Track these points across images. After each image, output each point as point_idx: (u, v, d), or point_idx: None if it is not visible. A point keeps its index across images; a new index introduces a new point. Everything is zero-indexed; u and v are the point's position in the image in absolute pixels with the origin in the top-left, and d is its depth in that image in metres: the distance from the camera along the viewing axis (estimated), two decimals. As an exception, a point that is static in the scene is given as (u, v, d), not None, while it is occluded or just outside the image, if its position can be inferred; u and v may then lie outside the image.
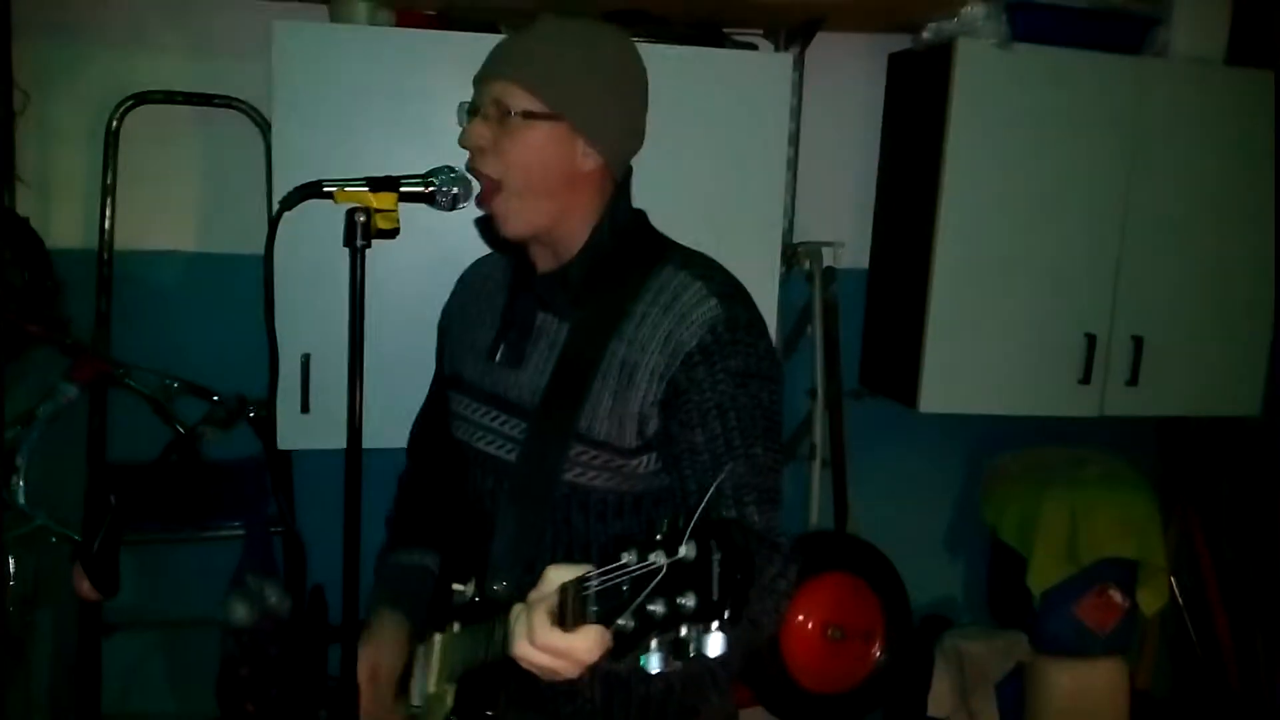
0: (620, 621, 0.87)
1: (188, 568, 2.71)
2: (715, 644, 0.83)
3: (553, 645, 0.96)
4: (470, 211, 1.67)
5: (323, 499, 2.49)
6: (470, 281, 1.64)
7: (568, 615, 0.95)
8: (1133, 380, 2.77)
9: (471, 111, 1.41)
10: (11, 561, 2.36)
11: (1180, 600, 3.30)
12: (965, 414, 2.82)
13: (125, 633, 2.68)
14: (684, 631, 0.84)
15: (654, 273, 1.39)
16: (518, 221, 1.39)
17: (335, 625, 2.56)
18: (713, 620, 0.82)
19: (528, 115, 1.34)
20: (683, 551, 0.84)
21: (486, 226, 1.47)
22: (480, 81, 1.40)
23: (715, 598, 0.82)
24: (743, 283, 1.42)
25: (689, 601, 0.83)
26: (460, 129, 1.44)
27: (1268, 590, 3.18)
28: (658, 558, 0.85)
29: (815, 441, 2.86)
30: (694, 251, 1.45)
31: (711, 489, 1.25)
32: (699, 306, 1.33)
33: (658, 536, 0.86)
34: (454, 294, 1.67)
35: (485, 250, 1.85)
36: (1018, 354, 2.73)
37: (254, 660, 2.50)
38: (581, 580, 0.93)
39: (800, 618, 2.65)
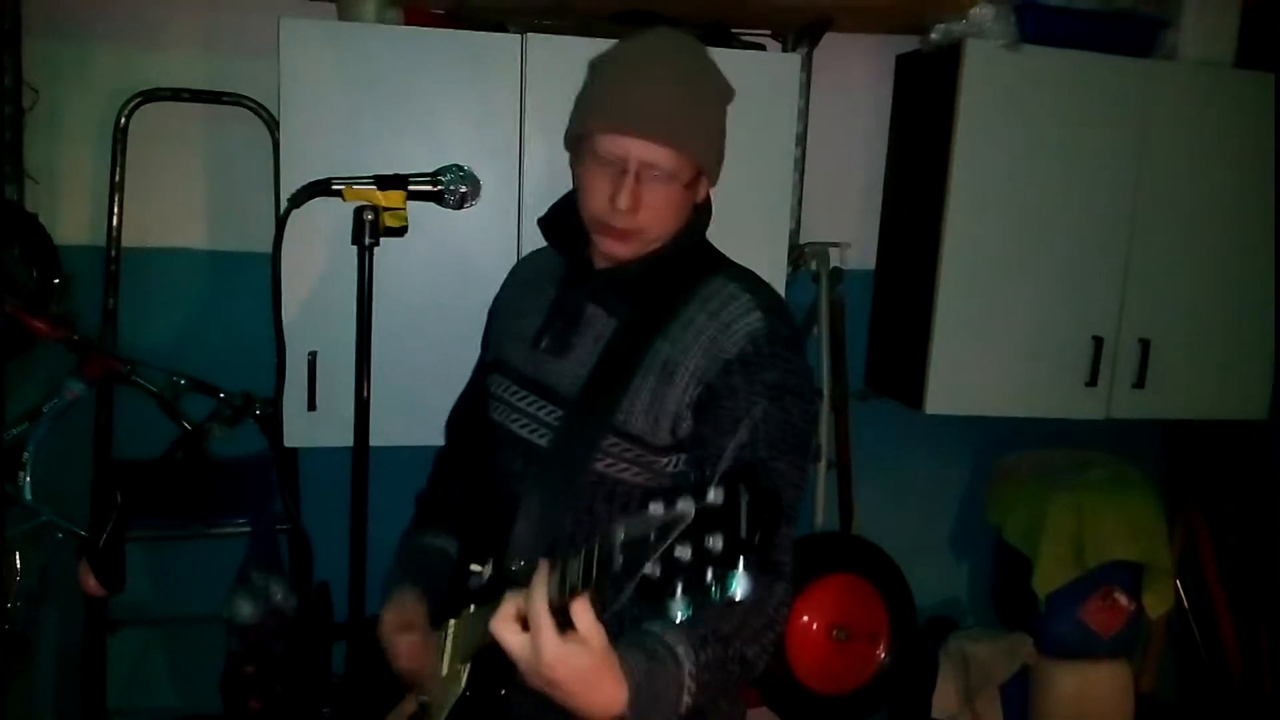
0: (646, 570, 0.88)
1: (193, 564, 2.72)
2: (742, 585, 0.85)
3: (538, 621, 1.02)
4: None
5: (328, 496, 2.49)
6: (522, 272, 1.68)
7: (592, 570, 0.97)
8: (1139, 383, 2.77)
9: (580, 151, 1.42)
10: (18, 557, 2.37)
11: (1185, 603, 3.30)
12: (971, 416, 2.81)
13: (130, 629, 2.68)
14: (709, 576, 0.85)
15: (705, 280, 1.44)
16: (637, 249, 1.44)
17: (340, 623, 2.56)
18: (740, 558, 0.84)
19: (688, 183, 1.40)
20: (711, 497, 0.86)
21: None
22: (607, 129, 1.38)
23: (744, 535, 0.84)
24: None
25: (716, 543, 0.85)
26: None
27: (1273, 594, 3.18)
28: (685, 505, 0.87)
29: (821, 442, 2.85)
30: (742, 266, 1.50)
31: (733, 444, 1.30)
32: (744, 317, 1.38)
33: (684, 487, 0.89)
34: (505, 283, 1.69)
35: (487, 248, 1.86)
36: (1024, 356, 2.72)
37: (258, 657, 2.51)
38: (607, 534, 0.95)
39: (805, 618, 2.65)
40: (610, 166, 1.38)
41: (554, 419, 1.45)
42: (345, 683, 1.48)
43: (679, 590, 0.87)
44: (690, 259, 1.47)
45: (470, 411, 1.69)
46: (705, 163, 1.42)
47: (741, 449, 1.33)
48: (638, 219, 1.39)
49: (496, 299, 1.69)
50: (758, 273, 1.48)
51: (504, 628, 1.07)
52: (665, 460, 1.40)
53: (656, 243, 1.43)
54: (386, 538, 1.69)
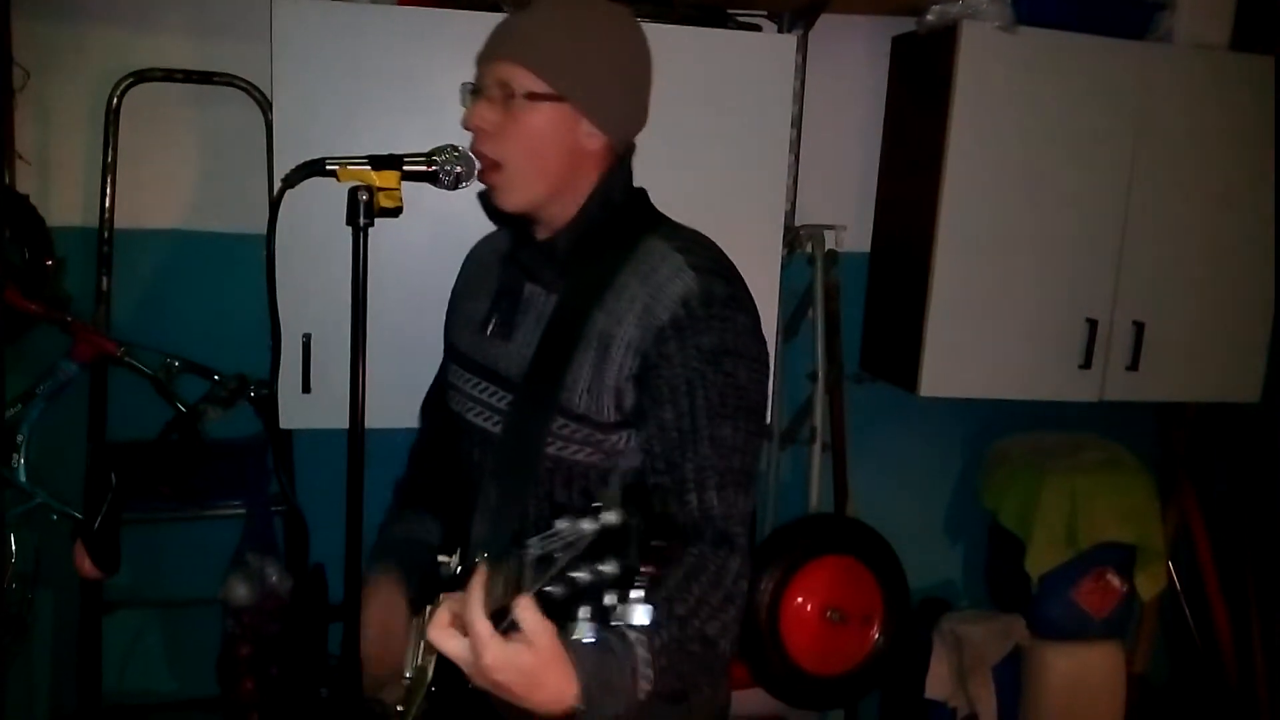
0: (550, 588, 0.87)
1: (188, 546, 2.72)
2: (639, 613, 0.84)
3: (477, 629, 0.99)
4: (473, 189, 1.68)
5: (321, 478, 2.50)
6: (476, 255, 1.66)
7: (508, 582, 0.96)
8: (1133, 365, 2.77)
9: (474, 92, 1.41)
10: (12, 539, 2.37)
11: (1178, 585, 3.31)
12: (966, 398, 2.82)
13: (126, 611, 2.68)
14: (608, 599, 0.84)
15: (638, 244, 1.38)
16: (516, 197, 1.40)
17: (335, 604, 2.57)
18: (632, 587, 0.83)
19: (532, 97, 1.34)
20: (608, 519, 0.85)
21: (488, 200, 1.48)
22: (482, 62, 1.39)
23: (634, 564, 0.83)
24: (739, 262, 1.41)
25: (611, 568, 0.84)
26: (463, 109, 1.43)
27: (1265, 576, 3.19)
28: (588, 525, 0.86)
29: (816, 425, 2.86)
30: (683, 226, 1.44)
31: (671, 414, 1.26)
32: (674, 279, 1.32)
33: (594, 504, 0.87)
34: (462, 267, 1.68)
35: (482, 229, 1.83)
36: (1018, 338, 2.72)
37: (254, 639, 2.51)
38: (522, 547, 0.94)
39: (800, 600, 2.66)
40: (478, 96, 1.38)
41: (506, 405, 1.43)
42: (341, 664, 1.48)
43: (580, 613, 0.86)
44: (621, 222, 1.42)
45: (438, 400, 1.68)
46: (577, 95, 1.35)
47: (681, 418, 1.29)
48: (498, 147, 1.36)
49: (455, 284, 1.67)
50: (754, 254, 1.46)
51: (441, 635, 1.04)
52: (616, 437, 1.36)
53: (531, 184, 1.38)
54: (381, 519, 1.69)
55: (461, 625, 1.03)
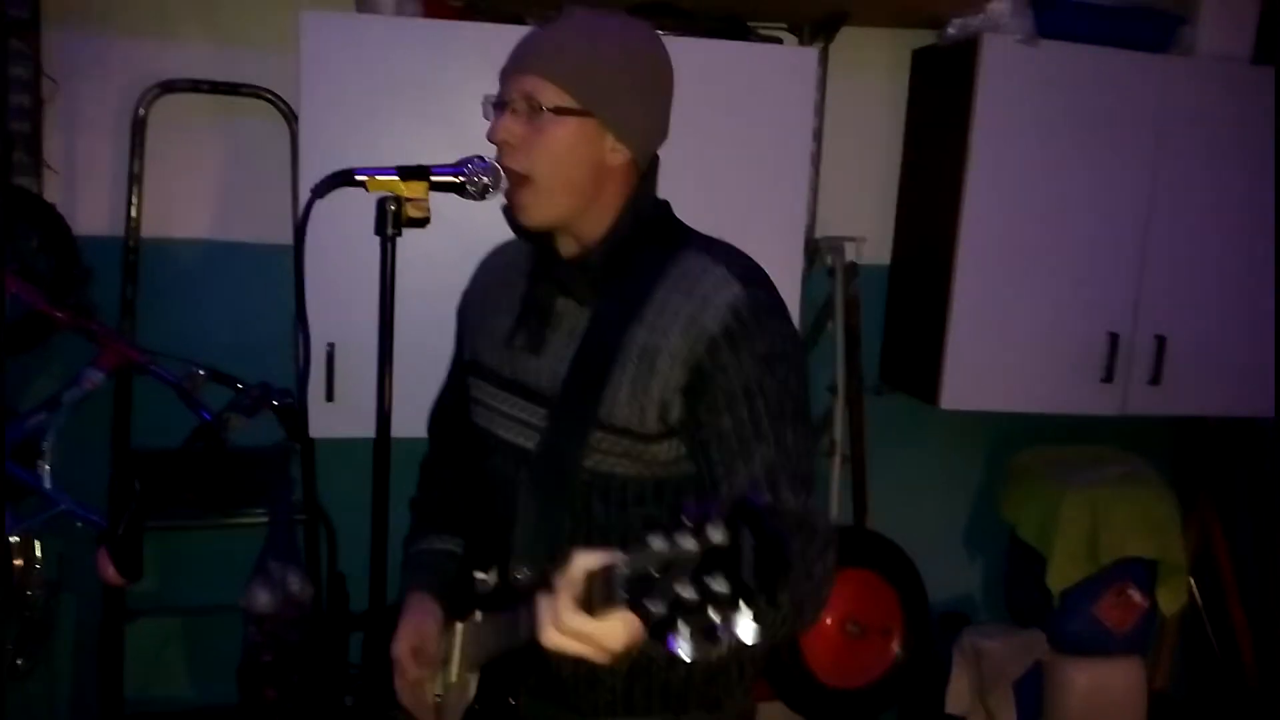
0: (650, 607, 0.85)
1: (211, 554, 2.73)
2: (747, 630, 0.82)
3: (579, 630, 0.96)
4: (500, 201, 1.69)
5: (342, 487, 2.50)
6: (491, 266, 1.65)
7: (595, 601, 0.94)
8: (1155, 379, 2.76)
9: (498, 105, 1.41)
10: (37, 546, 2.38)
11: (1198, 600, 3.29)
12: (986, 411, 2.81)
13: (148, 618, 2.70)
14: (715, 617, 0.82)
15: (675, 258, 1.39)
16: (541, 214, 1.40)
17: (357, 613, 2.58)
18: (745, 604, 0.82)
19: (558, 111, 1.34)
20: (714, 536, 0.83)
21: (512, 214, 1.49)
22: (508, 75, 1.39)
23: (748, 581, 0.81)
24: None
25: (720, 586, 0.82)
26: (486, 122, 1.44)
27: (1287, 592, 3.17)
28: (687, 542, 0.84)
29: (836, 437, 2.86)
30: (714, 238, 1.45)
31: (730, 423, 1.24)
32: (721, 290, 1.33)
33: (686, 521, 0.85)
34: (474, 278, 1.67)
35: (508, 239, 1.85)
36: (1040, 352, 2.72)
37: (276, 647, 2.51)
38: (609, 565, 0.92)
39: (819, 612, 2.65)
40: (503, 109, 1.39)
41: (539, 420, 1.42)
42: (363, 673, 1.48)
43: (685, 630, 0.84)
44: (654, 238, 1.42)
45: (452, 413, 1.67)
46: (603, 110, 1.35)
47: (741, 425, 1.29)
48: (524, 160, 1.36)
49: (466, 294, 1.67)
50: (775, 266, 1.45)
51: (559, 640, 0.99)
52: (658, 448, 1.36)
53: (557, 199, 1.37)
54: (403, 529, 1.69)
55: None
